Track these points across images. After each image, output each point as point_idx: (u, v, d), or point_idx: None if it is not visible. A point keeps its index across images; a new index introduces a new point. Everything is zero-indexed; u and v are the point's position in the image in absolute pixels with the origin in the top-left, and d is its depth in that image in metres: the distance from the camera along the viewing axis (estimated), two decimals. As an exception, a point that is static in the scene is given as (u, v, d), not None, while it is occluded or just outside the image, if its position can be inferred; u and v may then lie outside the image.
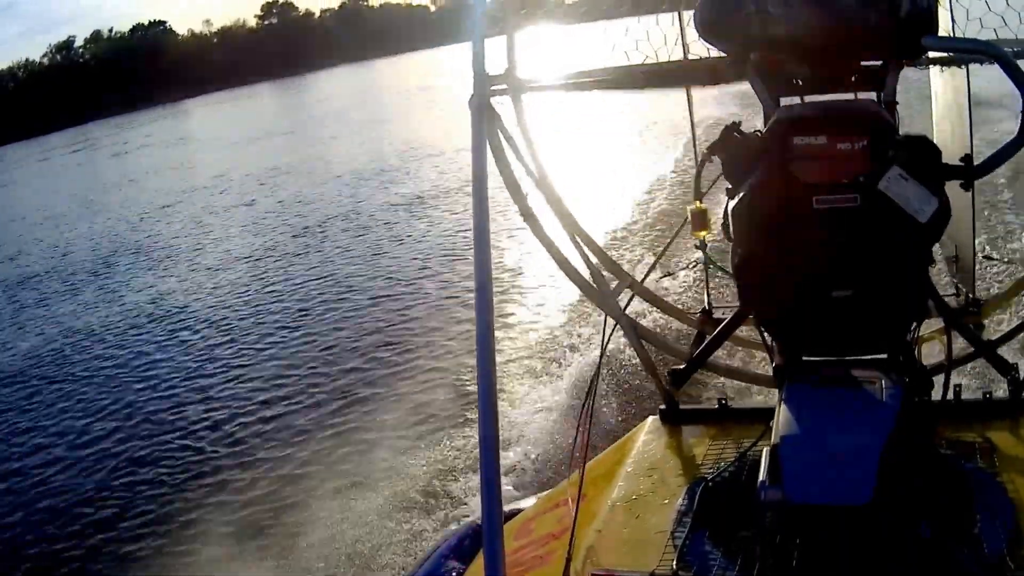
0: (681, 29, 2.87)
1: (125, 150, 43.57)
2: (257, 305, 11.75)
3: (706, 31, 2.08)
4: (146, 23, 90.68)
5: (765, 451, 1.86)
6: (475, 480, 5.90)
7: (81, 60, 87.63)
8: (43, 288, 15.54)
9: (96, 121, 67.53)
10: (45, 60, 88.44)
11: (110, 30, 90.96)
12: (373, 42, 79.36)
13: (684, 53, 2.65)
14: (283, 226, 16.59)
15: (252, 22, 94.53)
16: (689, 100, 3.48)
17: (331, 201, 18.23)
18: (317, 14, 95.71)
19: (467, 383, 7.26)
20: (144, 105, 70.10)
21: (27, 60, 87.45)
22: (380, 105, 39.16)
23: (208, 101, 68.52)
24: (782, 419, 1.89)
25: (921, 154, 1.90)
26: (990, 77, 1.99)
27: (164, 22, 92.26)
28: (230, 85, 75.67)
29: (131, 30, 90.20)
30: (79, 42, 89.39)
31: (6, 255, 19.78)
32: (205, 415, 8.24)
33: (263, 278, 13.03)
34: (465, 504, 5.60)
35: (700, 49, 2.28)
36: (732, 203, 1.99)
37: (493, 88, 2.20)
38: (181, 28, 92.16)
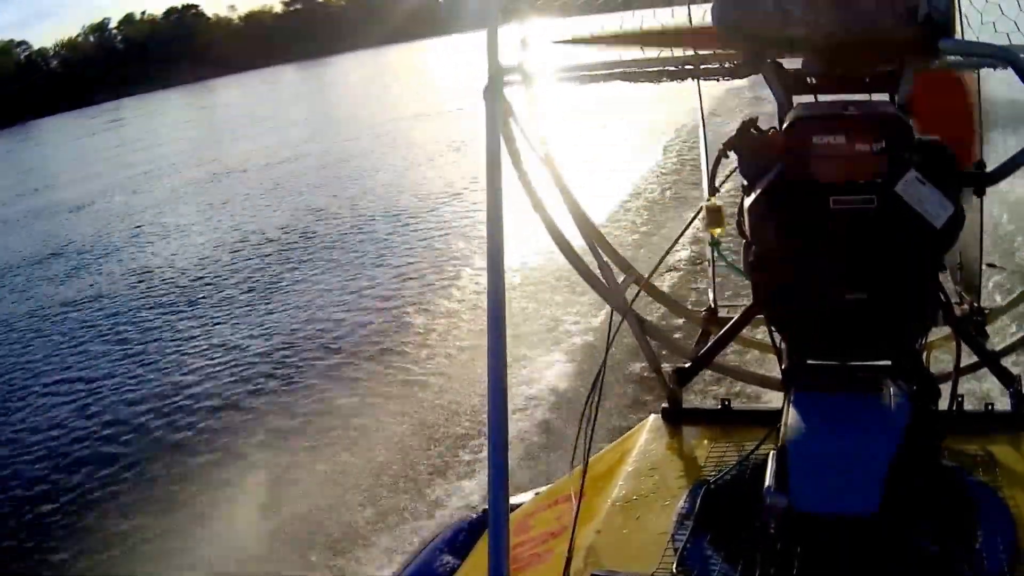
0: (690, 22, 2.84)
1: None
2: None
3: (722, 26, 2.05)
4: (179, 7, 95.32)
5: (771, 455, 1.84)
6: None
7: (115, 41, 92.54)
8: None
9: (139, 95, 71.73)
10: (79, 39, 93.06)
11: (143, 13, 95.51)
12: (386, 29, 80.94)
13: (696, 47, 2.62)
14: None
15: (278, 7, 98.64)
16: (700, 95, 3.45)
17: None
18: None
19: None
20: (177, 82, 74.25)
21: (68, 38, 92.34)
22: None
23: (246, 79, 71.81)
24: (790, 424, 1.87)
25: (937, 159, 1.89)
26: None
27: (196, 5, 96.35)
28: (257, 66, 78.97)
29: (165, 13, 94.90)
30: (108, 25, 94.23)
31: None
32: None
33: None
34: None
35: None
36: (748, 200, 1.97)
37: (506, 79, 2.17)
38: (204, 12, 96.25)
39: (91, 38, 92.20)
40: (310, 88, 52.45)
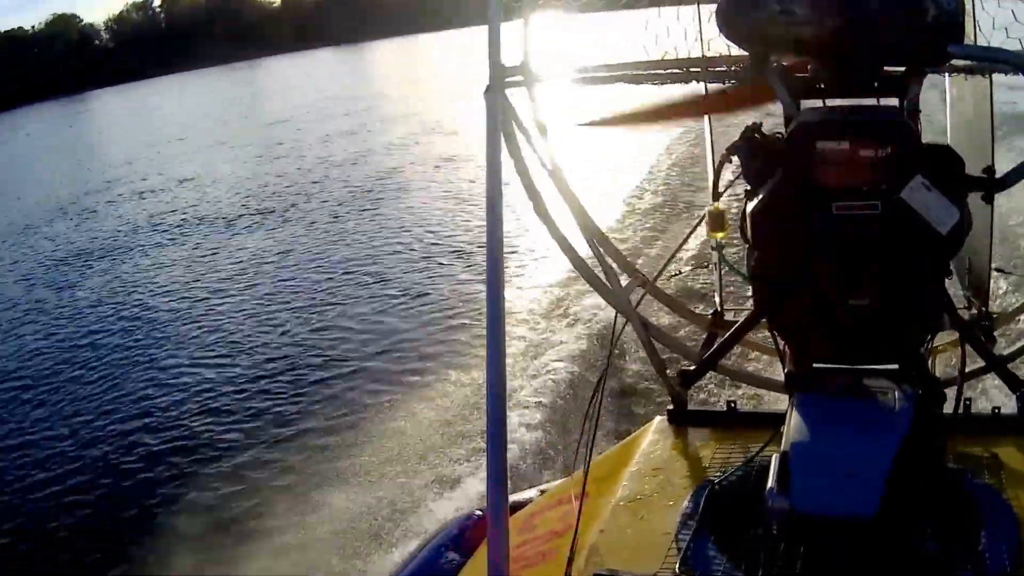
0: (699, 25, 2.84)
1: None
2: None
3: (728, 28, 2.03)
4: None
5: (774, 458, 1.84)
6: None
7: (159, 19, 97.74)
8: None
9: (194, 71, 75.69)
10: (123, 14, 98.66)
11: None
12: (422, 17, 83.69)
13: (702, 50, 2.62)
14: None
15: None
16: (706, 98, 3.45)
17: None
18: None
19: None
20: (220, 61, 77.85)
21: (118, 13, 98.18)
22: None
23: (289, 60, 74.37)
24: (793, 426, 1.87)
25: (944, 164, 1.87)
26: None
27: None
28: (297, 49, 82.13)
29: None
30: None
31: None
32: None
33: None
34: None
35: (720, 45, 2.25)
36: (751, 205, 1.96)
37: (508, 80, 2.17)
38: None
39: (135, 15, 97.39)
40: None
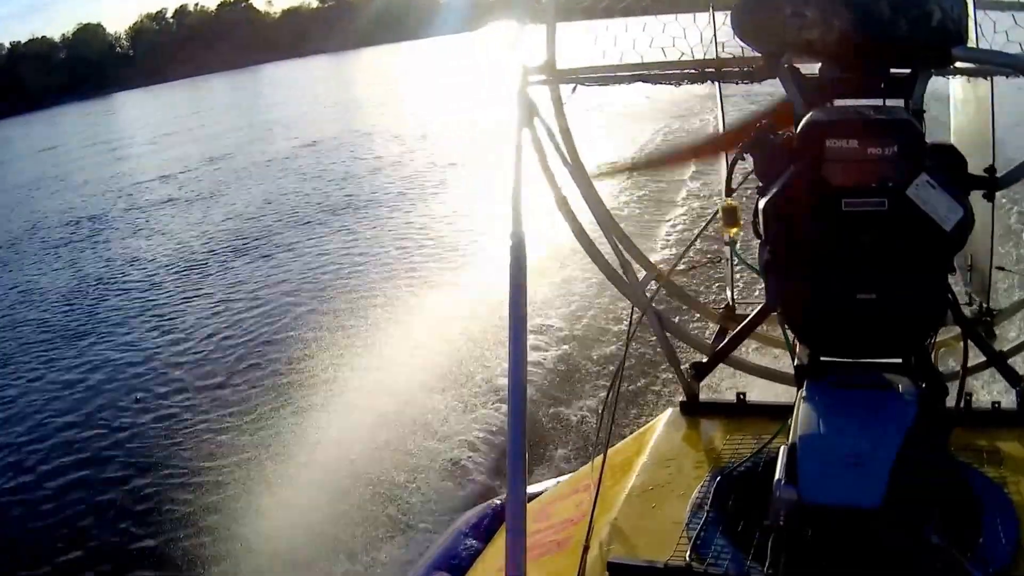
0: (714, 27, 2.91)
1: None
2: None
3: (742, 30, 2.12)
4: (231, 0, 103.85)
5: (782, 449, 1.88)
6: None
7: (172, 28, 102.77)
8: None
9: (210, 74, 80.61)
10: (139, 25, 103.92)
11: (196, 5, 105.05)
12: (402, 27, 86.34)
13: (716, 52, 2.70)
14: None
15: (314, 3, 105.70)
16: (720, 98, 3.52)
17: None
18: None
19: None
20: (229, 67, 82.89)
21: (134, 23, 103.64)
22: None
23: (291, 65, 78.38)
24: (801, 418, 1.91)
25: (948, 163, 1.93)
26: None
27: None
28: (296, 55, 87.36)
29: (219, 6, 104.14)
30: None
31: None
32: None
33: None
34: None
35: (734, 48, 2.32)
36: (763, 201, 2.01)
37: (533, 78, 2.25)
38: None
39: (151, 24, 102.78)
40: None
